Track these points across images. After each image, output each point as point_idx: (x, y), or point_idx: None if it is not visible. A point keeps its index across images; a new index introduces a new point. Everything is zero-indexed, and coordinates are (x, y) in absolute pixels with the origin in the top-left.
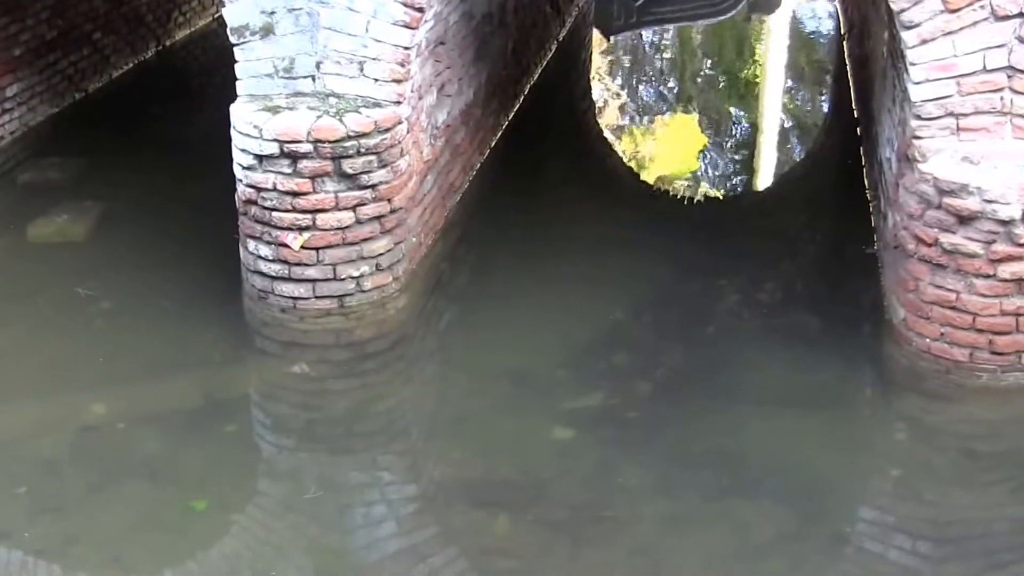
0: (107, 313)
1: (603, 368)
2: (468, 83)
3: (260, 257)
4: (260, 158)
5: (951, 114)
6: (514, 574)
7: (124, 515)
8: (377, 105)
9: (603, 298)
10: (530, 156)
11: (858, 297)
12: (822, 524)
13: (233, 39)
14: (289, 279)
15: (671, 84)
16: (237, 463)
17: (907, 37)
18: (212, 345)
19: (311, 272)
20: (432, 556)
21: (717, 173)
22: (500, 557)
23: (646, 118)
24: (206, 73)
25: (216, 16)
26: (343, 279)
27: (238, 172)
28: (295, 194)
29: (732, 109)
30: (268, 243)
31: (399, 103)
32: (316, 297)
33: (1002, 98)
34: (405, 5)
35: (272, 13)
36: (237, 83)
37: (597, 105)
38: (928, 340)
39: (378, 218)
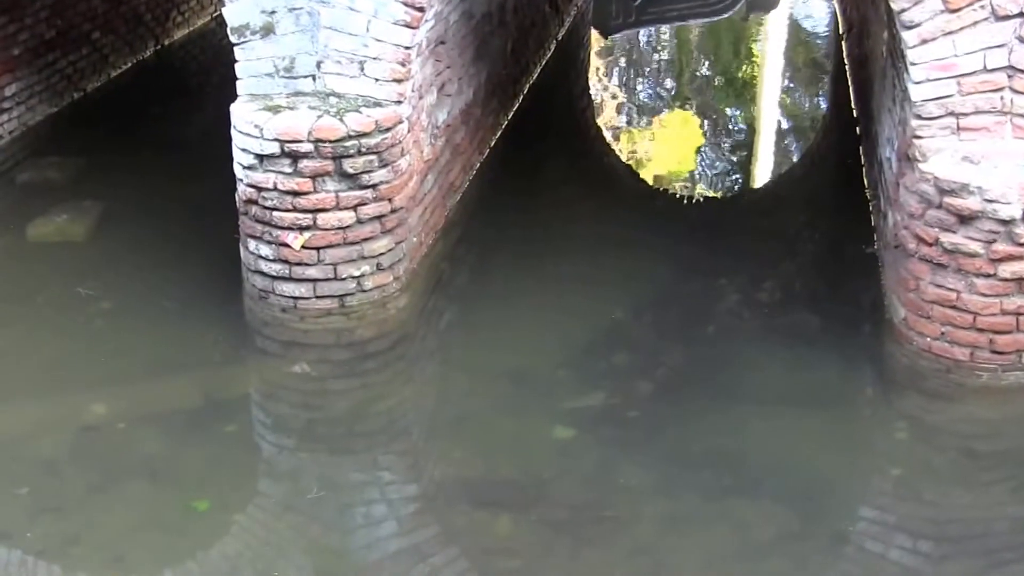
0: (107, 313)
1: (603, 368)
2: (468, 82)
3: (261, 257)
4: (261, 158)
5: (951, 114)
6: (515, 574)
7: (125, 515)
8: (378, 104)
9: (603, 298)
10: (529, 155)
11: (858, 296)
12: (823, 524)
13: (233, 38)
14: (290, 279)
15: (669, 83)
16: (238, 463)
17: (907, 37)
18: (212, 345)
19: (312, 272)
20: (433, 556)
21: (716, 173)
22: (501, 557)
23: (644, 117)
24: (205, 73)
25: (215, 15)
26: (344, 279)
27: (239, 172)
28: (296, 194)
29: (731, 108)
30: (269, 243)
31: (400, 102)
32: (317, 297)
33: (1002, 98)
34: (406, 5)
35: (272, 12)
36: (237, 82)
37: (596, 104)
38: (929, 339)
39: (379, 218)
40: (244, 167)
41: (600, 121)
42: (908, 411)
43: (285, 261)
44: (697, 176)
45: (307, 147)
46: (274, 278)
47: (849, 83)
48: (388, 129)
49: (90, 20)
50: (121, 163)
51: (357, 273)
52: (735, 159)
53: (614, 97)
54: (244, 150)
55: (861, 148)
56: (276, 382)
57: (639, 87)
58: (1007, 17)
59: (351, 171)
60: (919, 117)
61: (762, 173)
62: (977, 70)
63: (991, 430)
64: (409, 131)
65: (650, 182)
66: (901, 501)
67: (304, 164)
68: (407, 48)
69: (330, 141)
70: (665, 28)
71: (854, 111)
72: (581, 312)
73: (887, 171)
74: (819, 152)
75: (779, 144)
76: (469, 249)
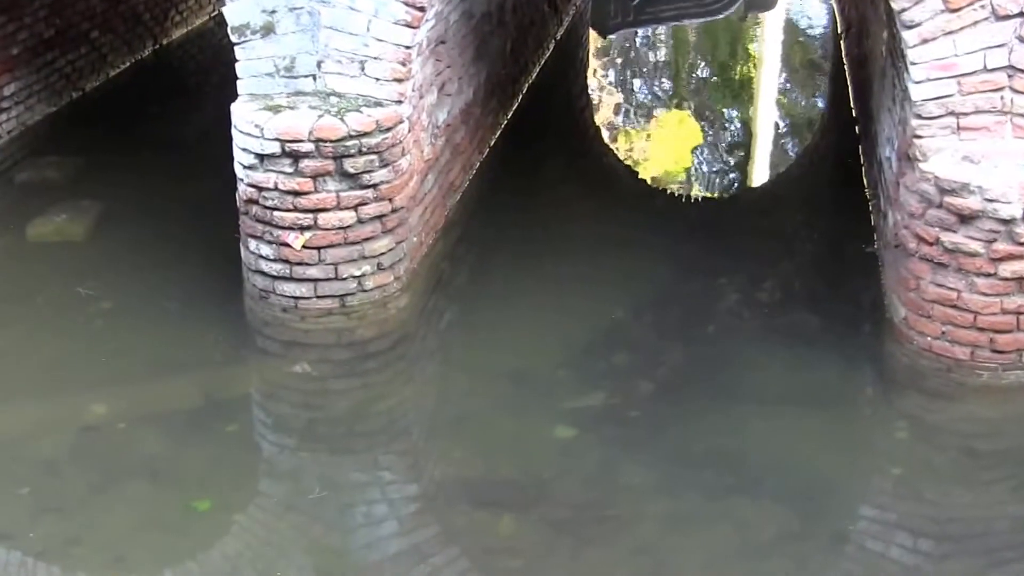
0: (107, 313)
1: (604, 368)
2: (468, 82)
3: (261, 256)
4: (261, 157)
5: (952, 113)
6: (517, 573)
7: (126, 515)
8: (378, 104)
9: (603, 298)
10: (529, 155)
11: (858, 296)
12: (824, 523)
13: (234, 38)
14: (290, 278)
15: (668, 83)
16: (238, 463)
17: (908, 36)
18: (213, 345)
19: (312, 271)
20: (435, 556)
21: (715, 172)
22: (503, 556)
23: (643, 116)
24: (203, 72)
25: (213, 15)
26: (344, 278)
27: (239, 171)
28: (296, 193)
29: (729, 108)
30: (269, 242)
31: (400, 102)
32: (317, 296)
33: (1002, 97)
34: (406, 4)
35: (273, 12)
36: (238, 82)
37: (594, 104)
38: (929, 338)
39: (379, 217)
40: (245, 167)
41: (599, 121)
42: (909, 410)
43: (286, 261)
44: (696, 176)
45: (308, 147)
46: (275, 278)
47: (848, 82)
48: (389, 129)
49: (89, 19)
50: (120, 163)
51: (358, 273)
52: (734, 159)
53: (613, 97)
54: (245, 150)
55: (860, 147)
56: (277, 382)
57: (638, 87)
58: (1007, 17)
59: (352, 171)
60: (919, 116)
61: (761, 172)
62: (977, 70)
63: (992, 429)
64: (410, 131)
65: (649, 182)
66: (902, 500)
67: (305, 164)
68: (408, 48)
69: (331, 141)
70: (663, 27)
71: (853, 110)
72: (581, 312)
73: (887, 170)
74: (818, 151)
75: (778, 144)
76: (469, 249)
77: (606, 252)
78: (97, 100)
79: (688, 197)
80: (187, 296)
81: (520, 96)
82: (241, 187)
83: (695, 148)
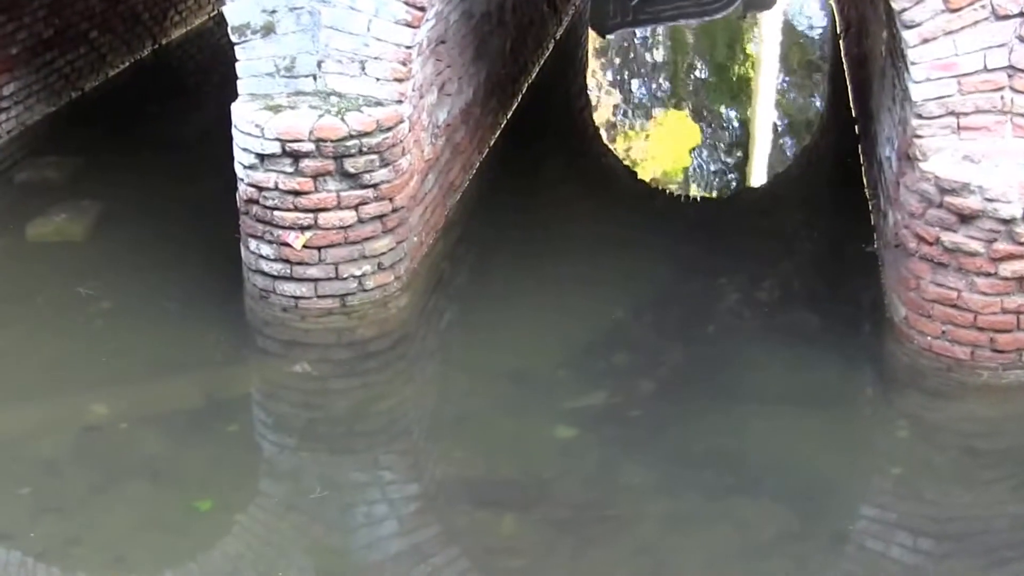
0: (107, 313)
1: (604, 367)
2: (468, 82)
3: (262, 256)
4: (262, 157)
5: (952, 113)
6: (519, 573)
7: (127, 515)
8: (379, 104)
9: (603, 298)
10: (528, 155)
11: (858, 295)
12: (824, 523)
13: (234, 38)
14: (291, 278)
15: (667, 83)
16: (239, 463)
17: (908, 36)
18: (213, 345)
19: (313, 271)
20: (436, 556)
21: (714, 172)
22: (504, 556)
23: (641, 116)
24: (202, 72)
25: (212, 15)
26: (345, 278)
27: (239, 171)
28: (297, 193)
29: (727, 108)
30: (270, 242)
31: (401, 102)
32: (318, 296)
33: (1003, 97)
34: (407, 4)
35: (273, 12)
36: (238, 82)
37: (594, 104)
38: (929, 338)
39: (380, 217)
40: (245, 167)
41: (598, 121)
42: (909, 410)
43: (286, 260)
44: (695, 176)
45: (308, 146)
46: (275, 278)
47: (847, 82)
48: (389, 128)
49: (88, 19)
50: (119, 162)
51: (358, 272)
52: (733, 158)
53: (612, 97)
54: (245, 150)
55: (860, 147)
56: (277, 382)
57: (637, 87)
58: (1007, 17)
59: (352, 170)
60: (920, 116)
61: (760, 172)
62: (977, 69)
63: (992, 428)
64: (410, 130)
65: (648, 182)
66: (902, 500)
67: (305, 163)
68: (408, 47)
69: (331, 140)
70: (662, 27)
71: (852, 110)
72: (581, 312)
73: (887, 170)
74: (817, 151)
75: (777, 143)
76: (469, 248)
77: (606, 252)
78: (96, 100)
79: (688, 197)
80: (187, 296)
81: (520, 96)
82: (241, 187)
83: (694, 148)
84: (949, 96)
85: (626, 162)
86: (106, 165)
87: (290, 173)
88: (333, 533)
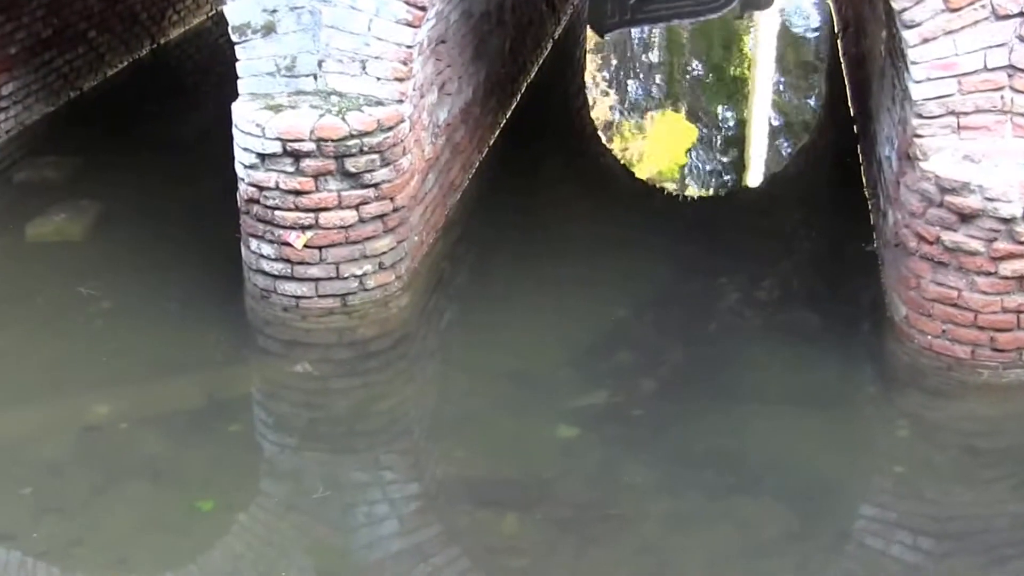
0: (107, 313)
1: (606, 367)
2: (468, 81)
3: (262, 256)
4: (262, 157)
5: (952, 112)
6: (522, 572)
7: (128, 516)
8: (380, 103)
9: (603, 298)
10: (527, 154)
11: (858, 295)
12: (826, 522)
13: (234, 37)
14: (292, 278)
15: (665, 82)
16: (241, 463)
17: (908, 36)
18: (214, 345)
19: (314, 271)
20: (438, 555)
21: (713, 172)
22: (507, 556)
23: (640, 115)
24: (201, 71)
25: (210, 14)
26: (346, 278)
27: (240, 171)
28: (298, 193)
29: (726, 107)
30: (270, 242)
31: (402, 101)
32: (319, 296)
33: (1003, 97)
34: (408, 3)
35: (274, 11)
36: (238, 81)
37: (592, 103)
38: (930, 337)
39: (381, 216)
40: (246, 166)
41: (597, 120)
42: (909, 409)
43: (287, 260)
44: (694, 175)
45: (309, 146)
46: (276, 277)
47: (845, 81)
48: (390, 128)
49: (86, 19)
50: (118, 162)
51: (359, 272)
52: (730, 158)
53: (610, 96)
54: (246, 149)
55: (859, 147)
56: (278, 381)
57: (636, 86)
58: (1007, 16)
59: (353, 170)
60: (920, 116)
61: (759, 172)
62: (978, 69)
63: (992, 427)
64: (411, 130)
65: (647, 181)
66: (903, 498)
67: (306, 163)
68: (409, 47)
69: (332, 140)
70: (660, 27)
71: (850, 109)
72: (582, 311)
73: (887, 170)
74: (816, 151)
75: (776, 143)
76: (469, 248)
77: (606, 252)
78: (95, 100)
79: (687, 197)
80: (188, 296)
81: (519, 95)
82: (242, 187)
83: (693, 148)
84: (949, 96)
85: (625, 162)
86: (105, 165)
87: (291, 173)
88: (335, 533)
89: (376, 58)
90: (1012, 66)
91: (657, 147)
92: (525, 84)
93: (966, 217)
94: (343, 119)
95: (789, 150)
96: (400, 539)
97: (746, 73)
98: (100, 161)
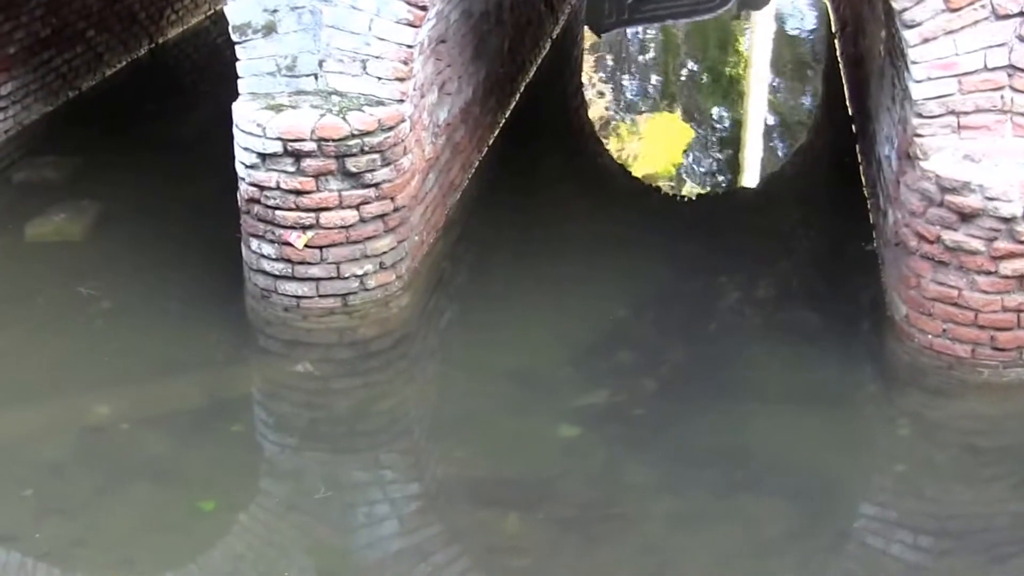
0: (107, 313)
1: (607, 366)
2: (467, 81)
3: (263, 256)
4: (263, 156)
5: (952, 112)
6: (525, 572)
7: (131, 516)
8: (380, 103)
9: (603, 297)
10: (526, 154)
11: (858, 294)
12: (827, 520)
13: (235, 37)
14: (293, 278)
15: (664, 82)
16: (242, 463)
17: (908, 36)
18: (215, 345)
19: (315, 271)
20: (440, 555)
21: (712, 172)
22: (510, 555)
23: (637, 115)
24: (199, 71)
25: (209, 14)
26: (347, 277)
27: (241, 171)
28: (298, 192)
29: (724, 107)
30: (271, 242)
31: (402, 101)
32: (320, 296)
33: (1003, 96)
34: (408, 3)
35: (274, 11)
36: (239, 81)
37: (590, 103)
38: (930, 336)
39: (381, 216)
40: (246, 166)
41: (595, 120)
42: (910, 408)
43: (288, 260)
44: (693, 175)
45: (310, 146)
46: (277, 277)
47: (843, 81)
48: (391, 128)
49: (85, 18)
50: (118, 162)
51: (360, 272)
52: (730, 158)
53: (608, 96)
54: (246, 149)
55: (858, 146)
56: (279, 381)
57: (634, 85)
58: (1007, 16)
59: (354, 170)
60: (920, 115)
61: (758, 171)
62: (978, 69)
63: (992, 426)
64: (411, 130)
65: (646, 180)
66: (904, 497)
67: (307, 163)
68: (409, 47)
69: (333, 140)
70: (658, 26)
71: (849, 109)
72: (582, 311)
73: (886, 169)
74: (815, 150)
75: (774, 142)
76: (469, 248)
77: (605, 251)
78: (94, 99)
79: (685, 196)
80: (188, 296)
81: (518, 95)
82: (243, 186)
83: (692, 147)
84: (949, 95)
85: (623, 161)
86: (104, 164)
87: (292, 172)
88: (336, 533)
89: (377, 58)
90: (1012, 66)
91: (657, 147)
92: (524, 84)
93: (966, 216)
94: (344, 119)
95: (788, 149)
96: (402, 539)
97: (743, 73)
98: (99, 161)
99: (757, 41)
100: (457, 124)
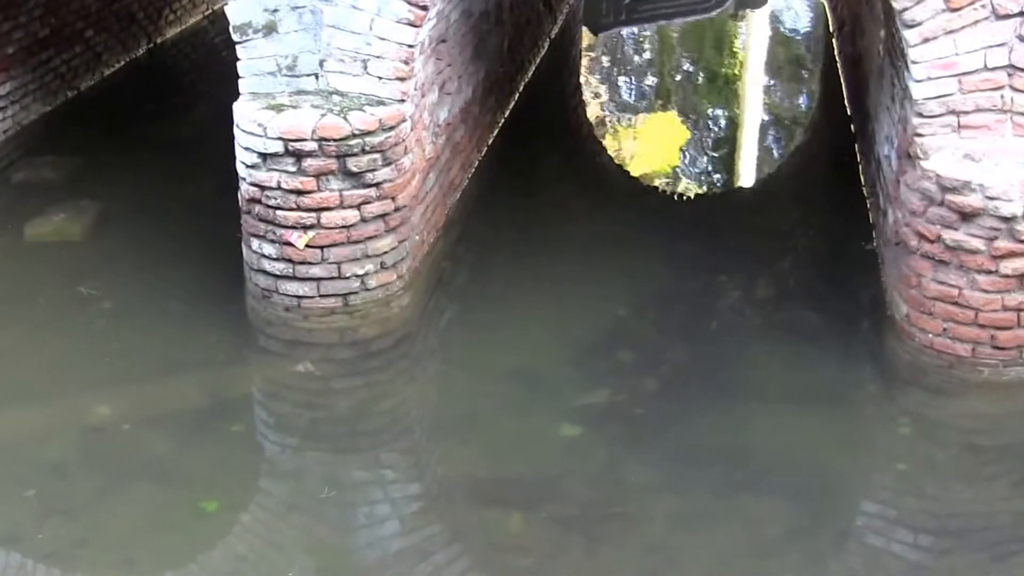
0: (108, 313)
1: (608, 366)
2: (467, 81)
3: (264, 256)
4: (264, 156)
5: (952, 112)
6: (528, 572)
7: (133, 517)
8: (381, 103)
9: (603, 297)
10: (526, 153)
11: (858, 293)
12: (829, 519)
13: (236, 37)
14: (293, 278)
15: (662, 81)
16: (244, 463)
17: (909, 36)
18: (215, 345)
19: (316, 271)
20: (443, 554)
21: (711, 171)
22: (513, 555)
23: (635, 115)
24: (197, 71)
25: (207, 14)
26: (348, 277)
27: (241, 171)
28: (299, 192)
29: (723, 107)
30: (272, 242)
31: (403, 101)
32: (320, 296)
33: (1003, 96)
34: (409, 3)
35: (275, 11)
36: (239, 81)
37: (589, 102)
38: (931, 335)
39: (382, 216)
40: (247, 166)
41: (594, 119)
42: (910, 407)
43: (289, 260)
44: (692, 174)
45: (311, 146)
46: (278, 277)
47: (841, 80)
48: (392, 127)
49: (83, 18)
50: (117, 162)
51: (361, 272)
52: (729, 157)
53: (607, 95)
54: (247, 149)
55: (857, 145)
56: (280, 381)
57: (632, 85)
58: (1007, 16)
59: (355, 169)
60: (920, 115)
61: (757, 171)
62: (978, 68)
63: (993, 425)
64: (412, 129)
65: (645, 180)
66: (905, 496)
67: (308, 163)
68: (410, 46)
69: (334, 140)
70: (656, 25)
71: (847, 108)
72: (582, 310)
73: (886, 168)
74: (813, 150)
75: (773, 142)
76: (470, 247)
77: (604, 251)
78: (92, 99)
79: (684, 196)
80: (188, 296)
81: (517, 94)
82: (244, 186)
83: (690, 147)
84: (950, 95)
85: (622, 161)
86: (103, 164)
87: (293, 172)
88: (338, 533)
89: (378, 57)
90: (1012, 65)
91: (656, 147)
92: (523, 83)
93: (967, 216)
94: (345, 118)
95: (786, 149)
96: (402, 539)
97: (741, 72)
98: (98, 161)
99: (755, 40)
100: (457, 124)
